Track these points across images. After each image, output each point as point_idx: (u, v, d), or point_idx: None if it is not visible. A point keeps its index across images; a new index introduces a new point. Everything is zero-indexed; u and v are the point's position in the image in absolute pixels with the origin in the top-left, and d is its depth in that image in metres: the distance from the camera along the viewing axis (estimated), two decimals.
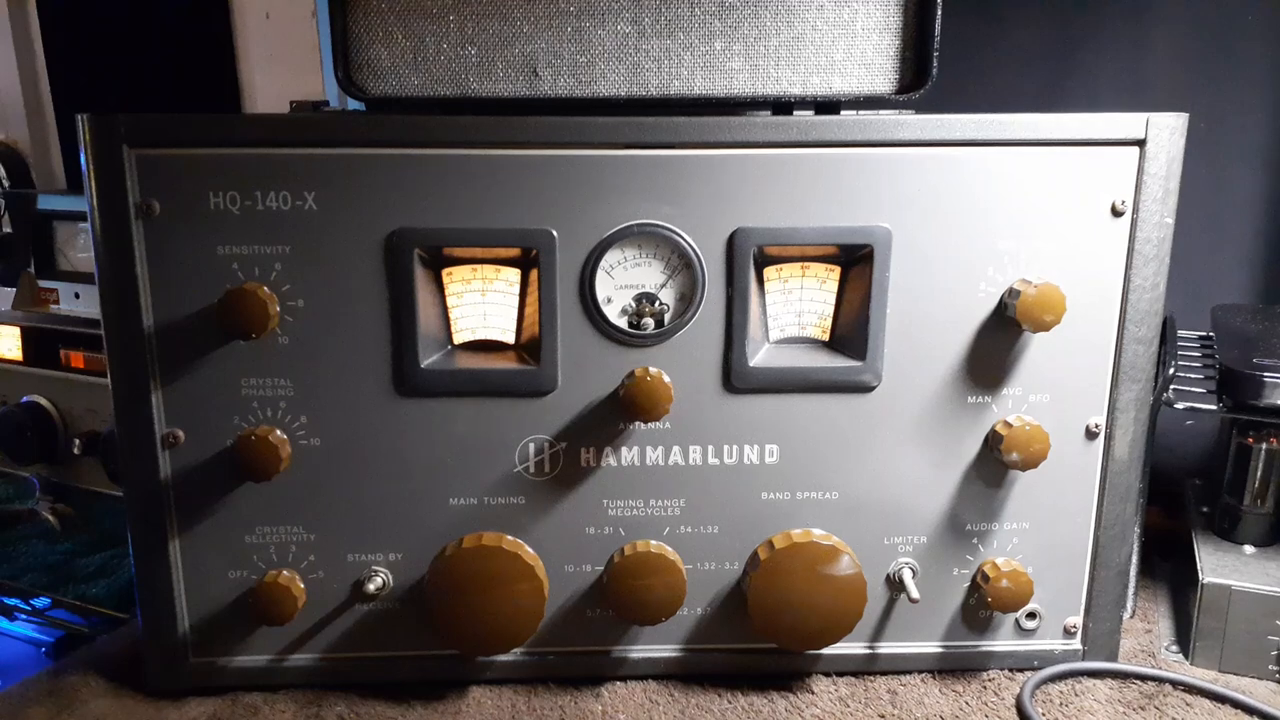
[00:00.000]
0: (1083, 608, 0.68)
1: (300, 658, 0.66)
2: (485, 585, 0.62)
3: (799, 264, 0.64)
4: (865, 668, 0.69)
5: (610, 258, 0.62)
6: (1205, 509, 0.78)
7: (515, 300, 0.64)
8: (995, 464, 0.65)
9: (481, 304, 0.64)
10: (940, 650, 0.68)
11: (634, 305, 0.63)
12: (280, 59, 1.32)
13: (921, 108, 0.64)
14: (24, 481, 1.07)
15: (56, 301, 1.08)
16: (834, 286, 0.64)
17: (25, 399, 1.03)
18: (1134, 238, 0.62)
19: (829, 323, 0.65)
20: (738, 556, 0.66)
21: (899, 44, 0.63)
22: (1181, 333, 0.82)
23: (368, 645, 0.66)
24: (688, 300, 0.62)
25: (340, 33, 0.61)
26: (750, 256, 0.61)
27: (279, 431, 0.62)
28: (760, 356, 0.64)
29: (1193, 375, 0.74)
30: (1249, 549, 0.73)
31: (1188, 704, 0.65)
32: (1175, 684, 0.67)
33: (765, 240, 0.61)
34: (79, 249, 1.07)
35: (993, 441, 0.64)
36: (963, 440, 0.65)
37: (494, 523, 0.65)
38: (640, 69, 0.63)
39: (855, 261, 0.63)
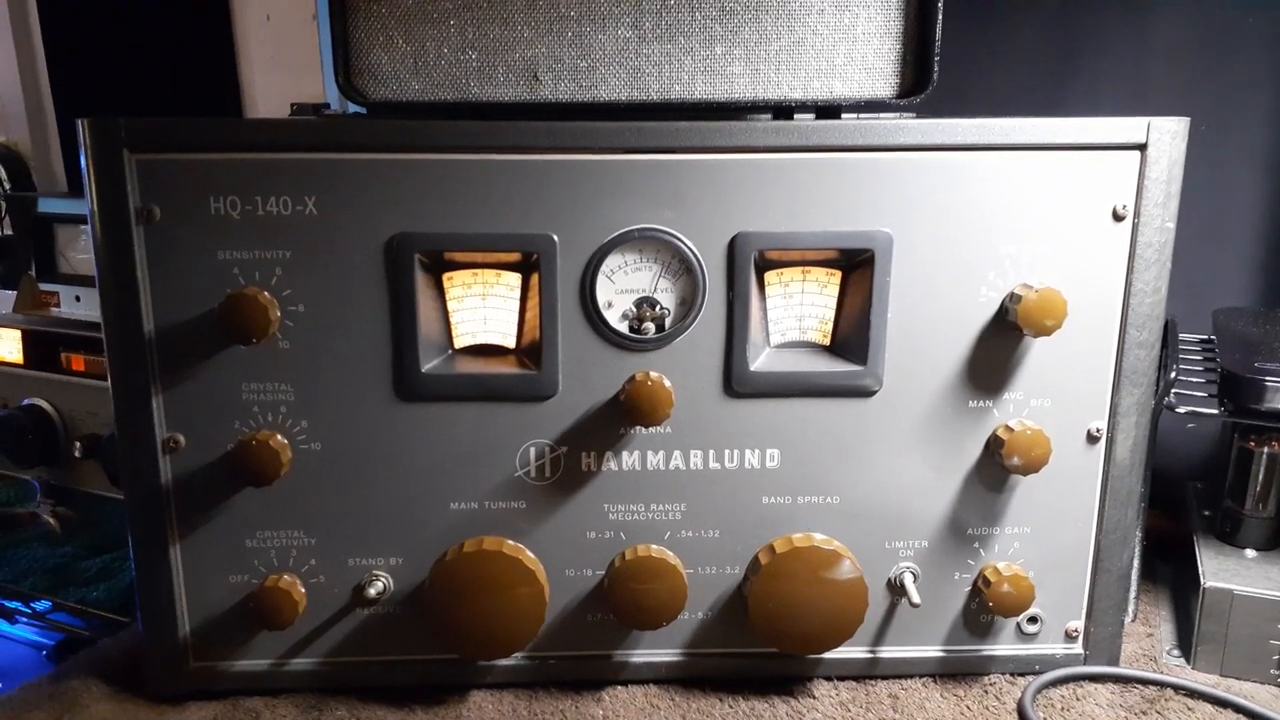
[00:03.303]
0: (1084, 612, 0.68)
1: (301, 662, 0.66)
2: (486, 590, 0.62)
3: (800, 268, 0.64)
4: (866, 672, 0.68)
5: (611, 262, 0.61)
6: (1207, 513, 0.78)
7: (516, 305, 0.64)
8: (996, 468, 0.65)
9: (482, 308, 0.64)
10: (942, 654, 0.68)
11: (634, 310, 0.62)
12: (281, 62, 1.32)
13: (922, 112, 0.64)
14: (25, 484, 1.06)
15: (57, 304, 1.08)
16: (835, 291, 0.64)
17: (26, 402, 1.03)
18: (1135, 242, 0.62)
19: (830, 327, 0.65)
20: (739, 561, 0.66)
21: (900, 48, 0.63)
22: (1183, 336, 0.82)
23: (368, 650, 0.66)
24: (688, 305, 0.62)
25: (341, 37, 0.61)
26: (751, 261, 0.61)
27: (279, 436, 0.62)
28: (761, 361, 0.63)
29: (1194, 379, 0.73)
30: (1251, 553, 0.73)
31: (1189, 708, 0.65)
32: (1177, 688, 0.66)
33: (766, 244, 0.61)
34: (80, 251, 1.07)
35: (994, 446, 0.64)
36: (964, 445, 0.65)
37: (495, 527, 0.65)
38: (641, 74, 0.63)
39: (856, 266, 0.63)
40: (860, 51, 0.63)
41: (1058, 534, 0.66)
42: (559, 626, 0.66)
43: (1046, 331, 0.60)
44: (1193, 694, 0.66)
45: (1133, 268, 0.62)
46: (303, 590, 0.64)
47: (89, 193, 0.59)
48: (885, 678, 0.68)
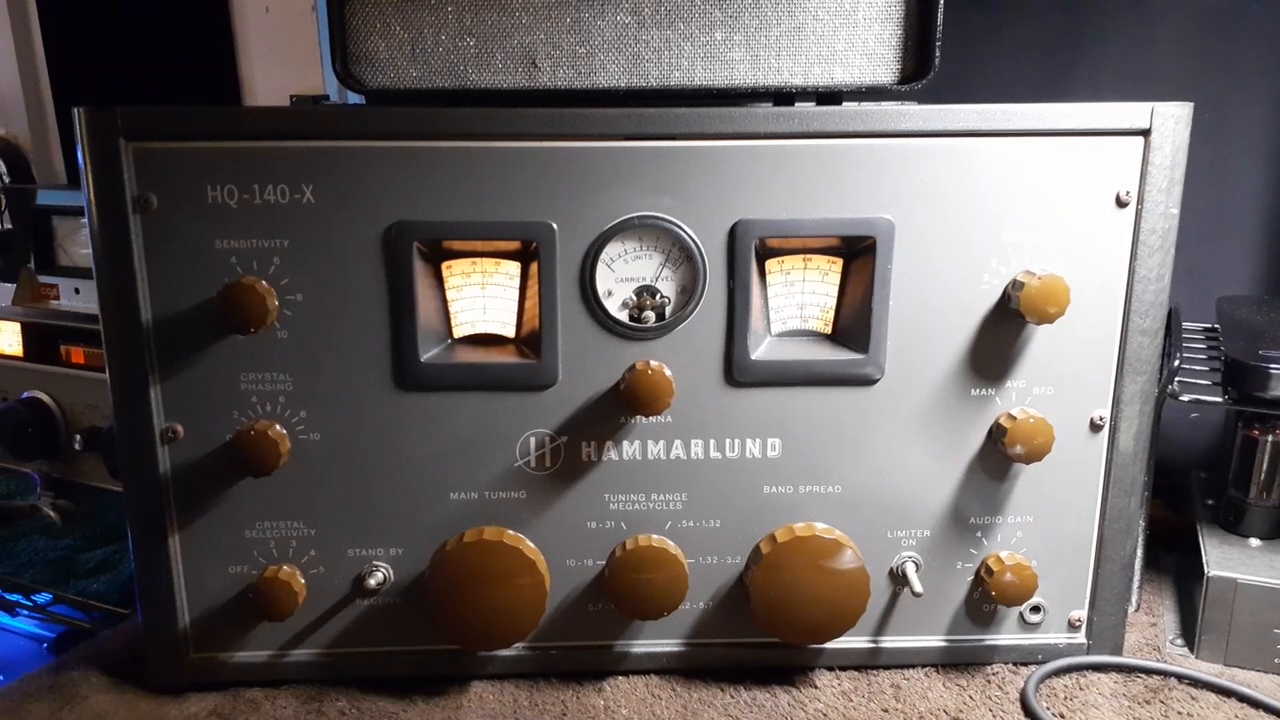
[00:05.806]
0: (1087, 601, 0.68)
1: (301, 653, 0.66)
2: (486, 580, 0.62)
3: (801, 256, 0.63)
4: (868, 662, 0.68)
5: (611, 250, 0.61)
6: (1210, 502, 0.78)
7: (515, 293, 0.63)
8: (999, 457, 0.64)
9: (481, 297, 0.63)
10: (944, 644, 0.68)
11: (635, 298, 0.62)
12: (280, 53, 1.32)
13: (924, 98, 0.63)
14: (25, 477, 1.06)
15: (56, 297, 1.08)
16: (836, 279, 0.64)
17: (26, 395, 1.03)
18: (1139, 228, 0.62)
19: (831, 315, 0.65)
20: (740, 550, 0.66)
21: (901, 33, 0.63)
22: (1186, 324, 0.81)
23: (369, 640, 0.66)
24: (689, 293, 0.62)
25: (338, 24, 0.60)
26: (752, 248, 0.61)
27: (278, 426, 0.62)
28: (762, 349, 0.63)
29: (1198, 367, 0.73)
30: (1255, 542, 0.73)
31: (1193, 697, 0.64)
32: (1180, 678, 0.66)
33: (767, 232, 0.61)
34: (79, 244, 1.07)
35: (996, 434, 0.64)
36: (966, 433, 0.64)
37: (495, 517, 0.64)
38: (640, 60, 0.62)
39: (857, 253, 0.63)
40: (861, 37, 0.62)
41: (1060, 523, 0.66)
42: (560, 617, 0.66)
43: (1049, 319, 0.60)
44: (1196, 683, 0.66)
45: (1136, 254, 0.62)
46: (302, 581, 0.64)
47: (85, 182, 0.59)
48: (887, 667, 0.68)
